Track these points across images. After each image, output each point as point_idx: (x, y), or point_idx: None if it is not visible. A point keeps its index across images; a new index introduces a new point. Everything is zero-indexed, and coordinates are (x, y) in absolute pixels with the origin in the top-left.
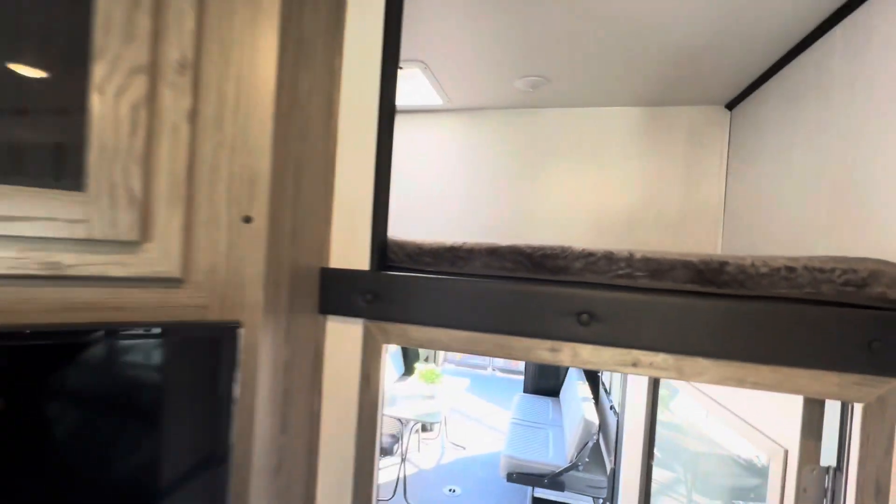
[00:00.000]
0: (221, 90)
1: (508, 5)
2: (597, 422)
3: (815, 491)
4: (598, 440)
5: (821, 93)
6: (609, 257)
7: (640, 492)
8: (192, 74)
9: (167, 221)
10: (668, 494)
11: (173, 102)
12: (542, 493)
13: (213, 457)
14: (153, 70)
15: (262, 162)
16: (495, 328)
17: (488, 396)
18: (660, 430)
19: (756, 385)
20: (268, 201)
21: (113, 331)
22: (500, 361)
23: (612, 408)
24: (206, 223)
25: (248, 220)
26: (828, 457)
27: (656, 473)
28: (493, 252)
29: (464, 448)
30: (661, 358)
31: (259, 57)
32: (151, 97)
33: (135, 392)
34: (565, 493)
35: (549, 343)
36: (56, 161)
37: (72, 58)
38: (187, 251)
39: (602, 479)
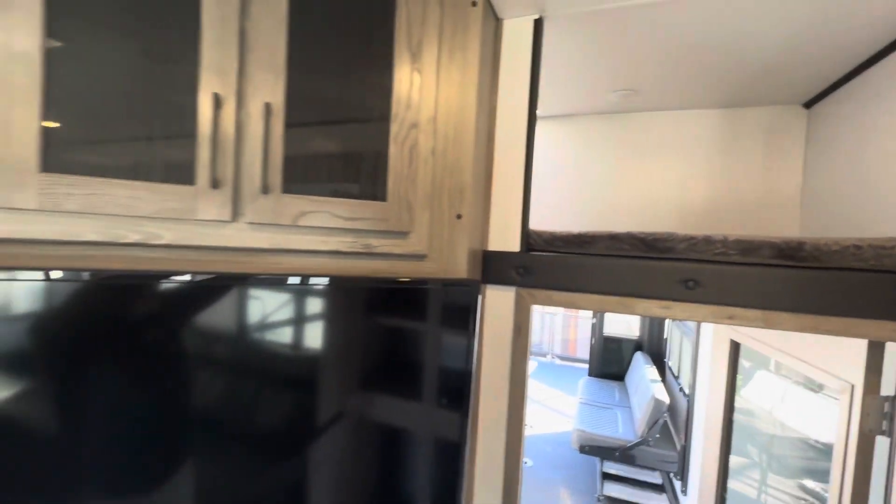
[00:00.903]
0: (447, 133)
1: (606, 33)
2: (667, 401)
3: (877, 415)
4: (666, 419)
5: None
6: (707, 240)
7: (719, 472)
8: (433, 125)
9: (421, 219)
10: (741, 476)
11: (425, 144)
12: (610, 467)
13: (459, 390)
14: (418, 125)
15: (467, 177)
16: (619, 292)
17: (550, 382)
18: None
19: (828, 332)
20: (469, 204)
21: (423, 282)
22: (559, 349)
23: (681, 390)
24: (437, 219)
25: (459, 217)
26: (887, 388)
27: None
28: (613, 237)
29: (531, 427)
30: (751, 312)
31: (466, 111)
32: (416, 141)
33: (418, 322)
34: (633, 468)
35: (662, 302)
36: (372, 183)
37: (380, 119)
38: (429, 237)
39: (673, 454)
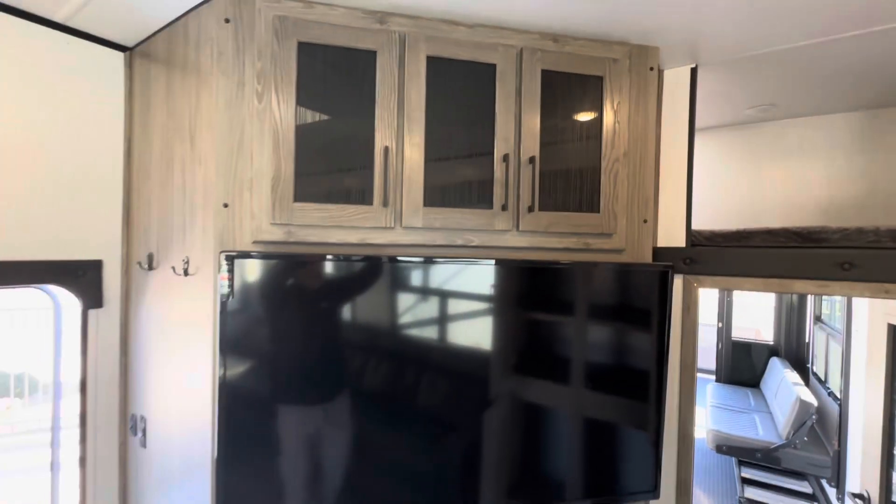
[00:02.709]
0: (635, 162)
1: (752, 71)
2: (815, 403)
3: None
4: (814, 422)
5: None
6: (860, 230)
7: (882, 480)
8: (628, 158)
9: (620, 223)
10: None
11: (622, 171)
12: (750, 473)
13: (657, 362)
14: (619, 159)
15: (649, 192)
16: (777, 275)
17: None
18: None
19: None
20: (653, 211)
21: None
22: None
23: (830, 394)
24: (630, 223)
25: (645, 221)
26: None
27: None
28: (769, 232)
29: None
30: None
31: (648, 145)
32: (617, 171)
33: (628, 303)
34: (777, 476)
35: (819, 282)
36: (590, 201)
37: (594, 156)
38: (627, 236)
39: (826, 459)
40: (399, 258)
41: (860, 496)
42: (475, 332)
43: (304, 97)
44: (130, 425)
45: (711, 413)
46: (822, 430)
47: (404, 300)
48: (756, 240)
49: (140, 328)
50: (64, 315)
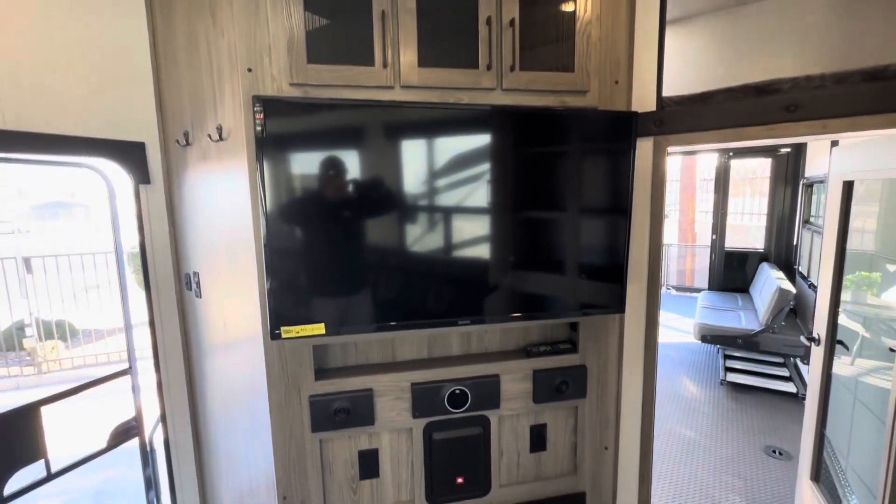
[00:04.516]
0: (608, 26)
1: None
2: (794, 291)
3: None
4: (793, 307)
5: None
6: (808, 77)
7: (828, 321)
8: (600, 21)
9: (594, 82)
10: None
11: (594, 34)
12: (734, 363)
13: (619, 205)
14: (591, 21)
15: (621, 53)
16: (732, 125)
17: (666, 308)
18: None
19: None
20: (626, 74)
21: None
22: (674, 280)
23: (811, 286)
24: (604, 83)
25: (616, 82)
26: None
27: None
28: (729, 90)
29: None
30: (840, 121)
31: (619, 10)
32: (589, 33)
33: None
34: (757, 364)
35: (767, 127)
36: (565, 61)
37: (569, 21)
38: (599, 95)
39: (798, 339)
40: (408, 102)
41: (812, 338)
42: (474, 168)
43: None
44: (185, 282)
45: (699, 313)
46: (801, 318)
47: (410, 146)
48: (718, 98)
49: (183, 199)
50: (117, 193)
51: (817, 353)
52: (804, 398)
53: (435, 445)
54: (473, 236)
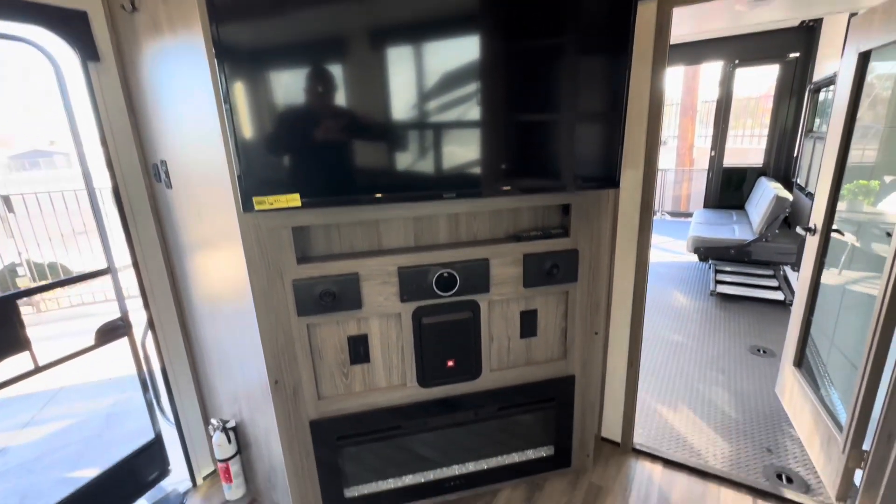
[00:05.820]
0: None
1: None
2: (790, 198)
3: None
4: (788, 215)
5: None
6: None
7: (826, 211)
8: None
9: None
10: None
11: None
12: (724, 276)
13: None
14: None
15: None
16: None
17: (660, 232)
18: None
19: None
20: None
21: None
22: (669, 206)
23: (808, 195)
24: None
25: None
26: None
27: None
28: None
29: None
30: None
31: None
32: None
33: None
34: (748, 277)
35: None
36: None
37: None
38: None
39: (792, 247)
40: None
41: (809, 228)
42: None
43: None
44: (154, 173)
45: (693, 228)
46: (795, 223)
47: None
48: None
49: (140, 80)
50: (64, 74)
51: (812, 241)
52: (791, 304)
53: (425, 330)
54: (462, 94)
